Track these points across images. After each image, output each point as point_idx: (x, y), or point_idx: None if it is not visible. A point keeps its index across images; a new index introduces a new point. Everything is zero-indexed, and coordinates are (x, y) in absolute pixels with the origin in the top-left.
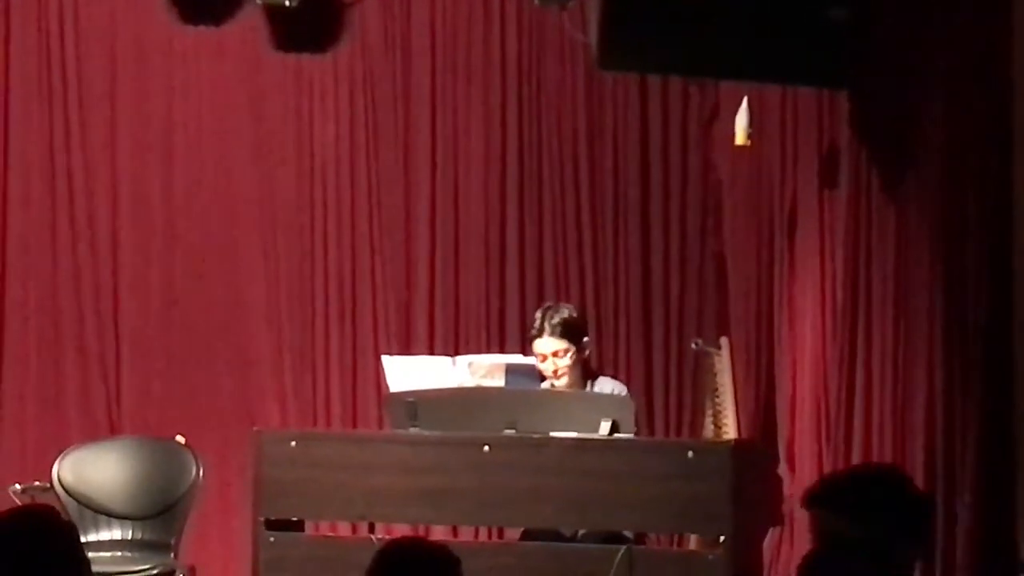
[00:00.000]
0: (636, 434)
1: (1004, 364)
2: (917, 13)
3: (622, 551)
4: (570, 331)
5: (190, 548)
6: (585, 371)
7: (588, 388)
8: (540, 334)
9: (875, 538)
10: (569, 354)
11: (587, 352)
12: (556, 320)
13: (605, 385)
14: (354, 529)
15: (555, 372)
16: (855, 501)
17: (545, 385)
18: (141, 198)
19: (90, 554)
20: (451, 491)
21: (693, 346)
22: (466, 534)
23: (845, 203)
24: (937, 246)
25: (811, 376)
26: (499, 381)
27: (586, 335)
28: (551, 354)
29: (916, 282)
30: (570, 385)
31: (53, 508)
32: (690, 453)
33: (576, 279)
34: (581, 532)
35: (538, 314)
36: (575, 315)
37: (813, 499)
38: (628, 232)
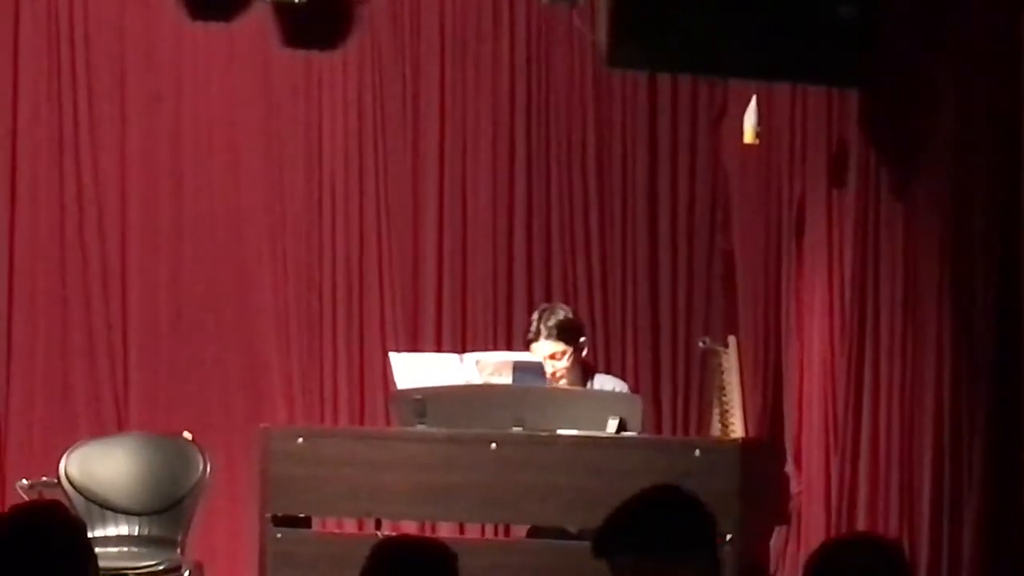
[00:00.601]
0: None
1: (1013, 363)
2: (927, 11)
3: None
4: (567, 333)
5: (197, 544)
6: (584, 369)
7: (588, 387)
8: (537, 337)
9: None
10: (567, 356)
11: (584, 352)
12: (552, 322)
13: (605, 382)
14: (361, 526)
15: (553, 374)
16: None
17: None
18: (150, 195)
19: (97, 550)
20: (458, 488)
21: (700, 344)
22: (473, 531)
23: (854, 202)
24: (946, 245)
25: (819, 374)
26: (506, 378)
27: (583, 335)
28: (549, 356)
29: (925, 281)
30: (569, 385)
31: (60, 504)
32: (697, 451)
33: (584, 276)
34: (587, 529)
35: (534, 316)
36: (571, 316)
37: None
38: (636, 230)
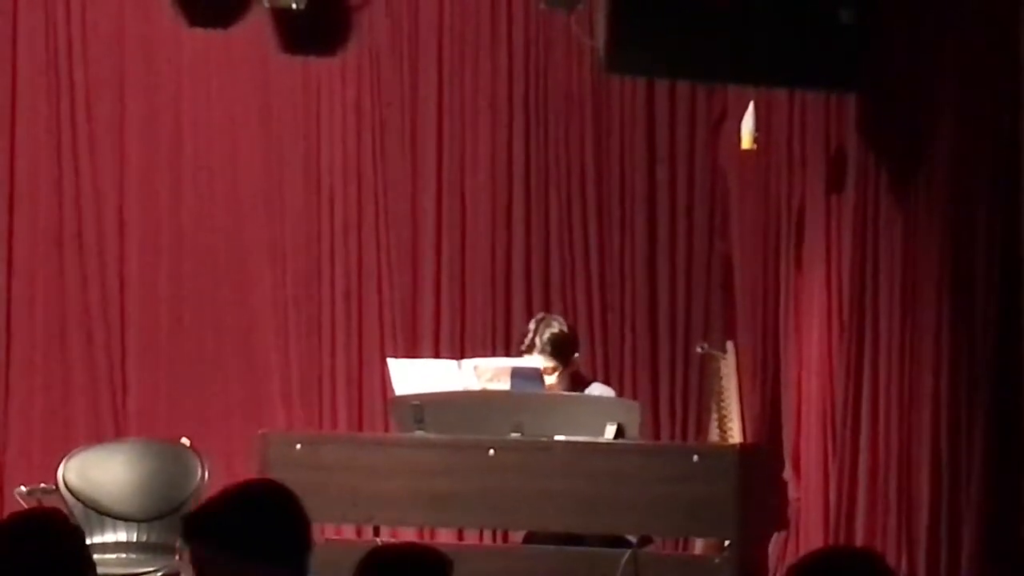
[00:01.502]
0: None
1: (1012, 368)
2: (925, 15)
3: (627, 554)
4: (560, 349)
5: None
6: (575, 381)
7: None
8: (530, 350)
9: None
10: (557, 373)
11: (576, 367)
12: (547, 337)
13: (593, 390)
14: (359, 532)
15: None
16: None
17: None
18: (149, 201)
19: (95, 556)
20: (456, 494)
21: (699, 350)
22: (471, 537)
23: (852, 207)
24: (945, 250)
25: (817, 380)
26: (504, 384)
27: (576, 351)
28: (541, 371)
29: (923, 286)
30: None
31: (59, 510)
32: (695, 457)
33: (582, 282)
34: (586, 535)
35: (530, 326)
36: (566, 330)
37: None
38: (635, 236)
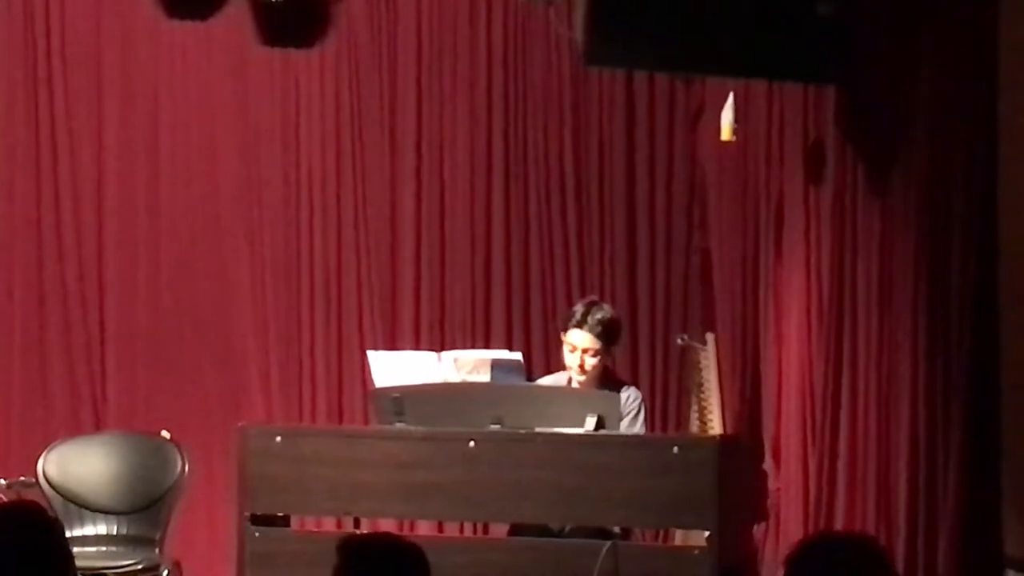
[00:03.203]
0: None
1: (989, 358)
2: (903, 8)
3: (607, 546)
4: (608, 333)
5: (175, 543)
6: (607, 377)
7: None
8: (580, 325)
9: None
10: (599, 356)
11: (609, 360)
12: (599, 317)
13: (631, 394)
14: (339, 524)
15: (581, 366)
16: None
17: (562, 377)
18: (127, 192)
19: (75, 549)
20: (437, 486)
21: (678, 341)
22: (452, 529)
23: (831, 198)
24: (922, 241)
25: (796, 371)
26: (485, 376)
27: (618, 342)
28: (582, 349)
29: (901, 277)
30: (587, 387)
31: (38, 504)
32: (675, 448)
33: (562, 274)
34: (567, 527)
35: (580, 305)
36: (616, 318)
37: None
38: (614, 227)
